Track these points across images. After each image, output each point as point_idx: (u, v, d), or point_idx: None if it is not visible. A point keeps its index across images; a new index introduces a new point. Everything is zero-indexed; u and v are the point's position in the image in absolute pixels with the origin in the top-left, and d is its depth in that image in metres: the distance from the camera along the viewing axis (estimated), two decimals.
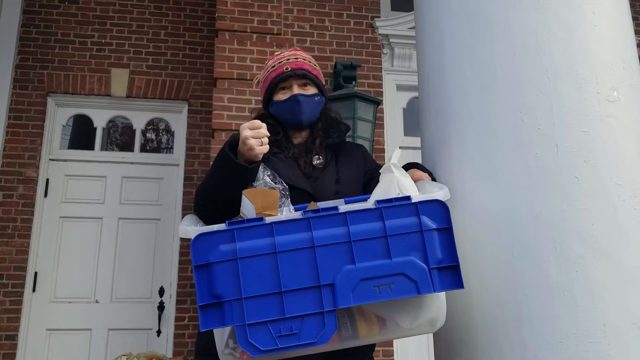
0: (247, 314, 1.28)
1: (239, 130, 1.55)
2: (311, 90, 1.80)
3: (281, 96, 1.79)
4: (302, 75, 1.78)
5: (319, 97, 1.82)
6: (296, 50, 1.87)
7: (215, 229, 1.35)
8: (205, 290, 1.30)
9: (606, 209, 1.43)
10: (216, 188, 1.58)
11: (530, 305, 1.41)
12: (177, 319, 4.36)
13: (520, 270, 1.45)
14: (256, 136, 1.52)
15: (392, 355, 4.05)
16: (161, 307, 4.39)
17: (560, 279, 1.40)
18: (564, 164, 1.46)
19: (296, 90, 1.77)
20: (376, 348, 3.96)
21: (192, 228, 1.37)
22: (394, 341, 4.07)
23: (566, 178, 1.45)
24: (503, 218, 1.50)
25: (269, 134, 1.55)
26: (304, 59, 1.82)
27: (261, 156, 1.55)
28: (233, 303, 1.29)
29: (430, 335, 1.74)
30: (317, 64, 1.87)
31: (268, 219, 1.36)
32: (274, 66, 1.81)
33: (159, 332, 4.34)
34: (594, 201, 1.43)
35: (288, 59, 1.80)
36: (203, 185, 1.66)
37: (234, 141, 1.56)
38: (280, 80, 1.78)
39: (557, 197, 1.44)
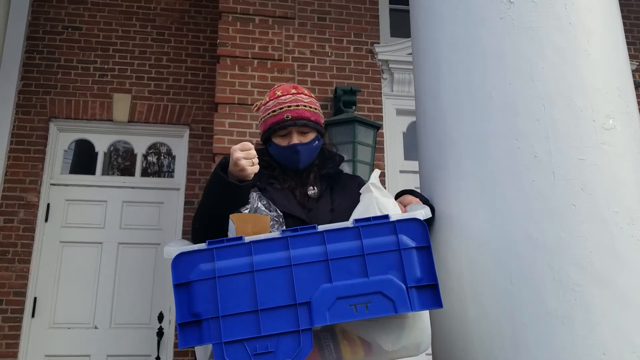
0: (224, 332, 1.29)
1: (225, 156, 1.59)
2: (310, 136, 1.78)
3: (280, 141, 1.78)
4: (303, 125, 1.76)
5: (317, 142, 1.81)
6: (298, 93, 1.81)
7: (195, 248, 1.37)
8: (184, 308, 1.32)
9: (604, 236, 1.43)
10: (210, 210, 1.62)
11: (529, 333, 1.40)
12: (176, 345, 4.31)
13: (518, 297, 1.44)
14: (247, 157, 1.55)
15: None
16: (160, 333, 4.35)
17: (558, 307, 1.39)
18: (561, 191, 1.46)
19: (295, 139, 1.76)
20: None
21: (175, 248, 1.39)
22: None
23: (563, 205, 1.45)
24: (501, 245, 1.50)
25: (256, 155, 1.58)
26: (305, 106, 1.77)
27: (252, 176, 1.58)
28: (211, 321, 1.30)
29: None
30: (316, 106, 1.83)
31: (247, 238, 1.37)
32: (274, 111, 1.77)
33: (157, 359, 4.29)
34: (592, 228, 1.43)
35: (289, 106, 1.76)
36: (198, 210, 1.69)
37: (225, 163, 1.59)
38: (280, 128, 1.76)
39: (555, 224, 1.45)
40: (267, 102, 1.82)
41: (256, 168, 1.57)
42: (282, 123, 1.75)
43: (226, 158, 1.60)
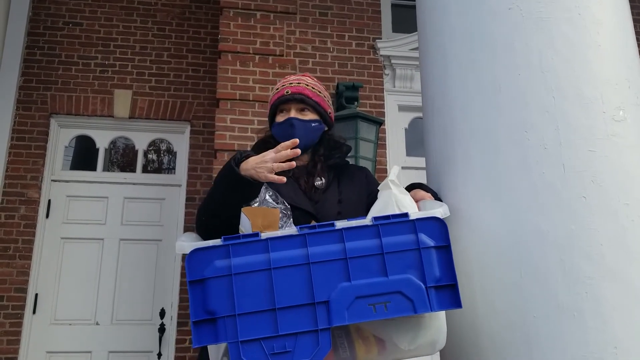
0: (241, 330, 1.26)
1: (240, 151, 1.58)
2: (309, 116, 1.81)
3: (280, 118, 1.82)
4: (300, 100, 1.79)
5: (317, 124, 1.82)
6: (304, 75, 1.89)
7: (210, 244, 1.34)
8: (199, 306, 1.29)
9: (615, 228, 1.41)
10: (218, 203, 1.59)
11: (539, 327, 1.39)
12: (177, 341, 4.31)
13: (528, 291, 1.42)
14: (276, 159, 1.49)
15: None
16: (162, 329, 4.34)
17: (569, 300, 1.37)
18: (571, 183, 1.44)
19: (293, 114, 1.79)
20: None
21: (188, 243, 1.36)
22: None
23: (573, 198, 1.43)
24: (510, 238, 1.48)
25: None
26: (307, 85, 1.83)
27: (265, 180, 1.52)
28: (227, 319, 1.27)
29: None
30: (323, 92, 1.87)
31: (264, 235, 1.34)
32: (277, 89, 1.85)
33: (159, 355, 4.28)
34: (602, 221, 1.41)
35: (291, 83, 1.83)
36: (205, 201, 1.67)
37: (240, 157, 1.57)
38: (279, 103, 1.81)
39: (565, 217, 1.43)
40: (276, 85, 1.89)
41: (272, 177, 1.48)
42: (281, 98, 1.80)
43: (240, 153, 1.59)
